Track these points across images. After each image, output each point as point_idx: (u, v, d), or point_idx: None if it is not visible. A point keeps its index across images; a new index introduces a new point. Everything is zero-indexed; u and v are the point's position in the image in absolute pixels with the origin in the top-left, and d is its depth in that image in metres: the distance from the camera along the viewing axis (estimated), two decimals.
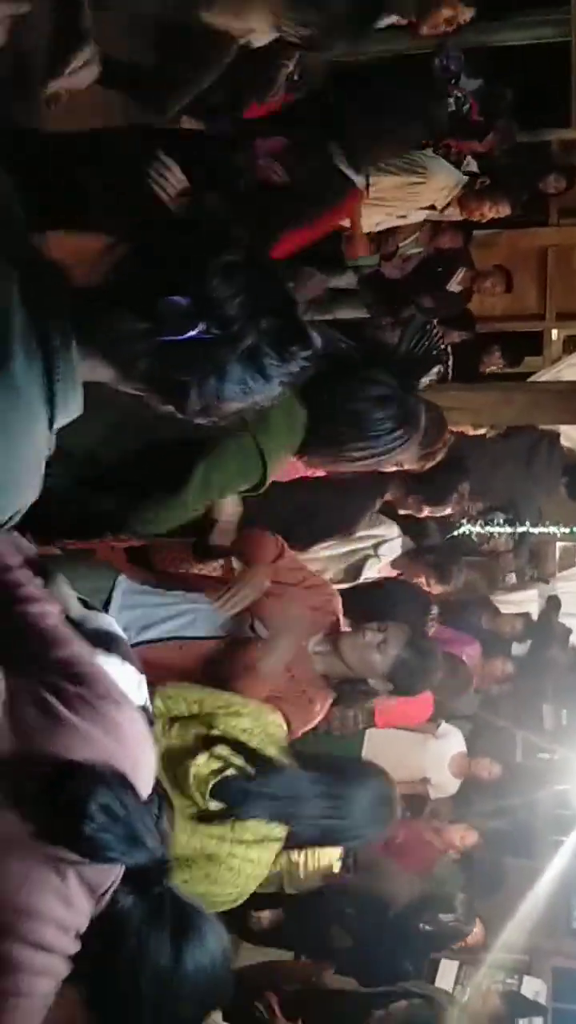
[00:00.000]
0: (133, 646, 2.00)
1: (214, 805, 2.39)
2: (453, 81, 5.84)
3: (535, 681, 6.18)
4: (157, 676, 2.32)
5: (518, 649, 6.35)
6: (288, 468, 2.68)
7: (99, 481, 2.30)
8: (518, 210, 5.73)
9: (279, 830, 2.45)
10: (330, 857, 3.60)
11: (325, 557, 3.88)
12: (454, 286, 6.04)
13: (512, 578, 6.57)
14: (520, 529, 5.96)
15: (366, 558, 3.93)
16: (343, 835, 2.63)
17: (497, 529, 5.90)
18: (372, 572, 4.05)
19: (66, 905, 1.50)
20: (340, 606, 3.03)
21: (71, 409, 1.51)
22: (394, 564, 4.32)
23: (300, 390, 2.37)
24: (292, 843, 2.54)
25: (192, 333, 1.44)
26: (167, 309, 1.43)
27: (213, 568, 3.09)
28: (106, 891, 1.55)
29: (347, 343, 4.68)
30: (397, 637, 2.87)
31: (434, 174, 5.05)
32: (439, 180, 5.11)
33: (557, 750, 6.11)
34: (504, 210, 5.48)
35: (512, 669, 5.85)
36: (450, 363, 5.15)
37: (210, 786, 2.38)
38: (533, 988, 5.37)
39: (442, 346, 4.90)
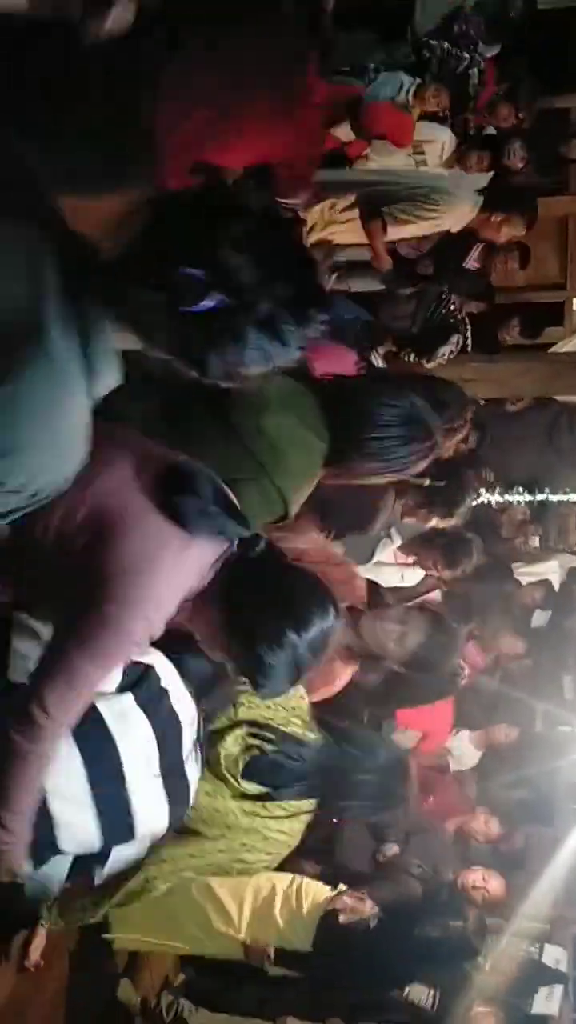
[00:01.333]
0: None
1: (247, 785, 2.52)
2: (471, 46, 5.83)
3: (555, 652, 6.18)
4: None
5: (539, 620, 6.34)
6: None
7: None
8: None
9: (308, 803, 2.52)
10: (318, 889, 3.70)
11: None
12: (471, 264, 5.98)
13: (536, 542, 6.53)
14: (540, 497, 5.96)
15: (379, 539, 3.95)
16: (366, 809, 2.70)
17: (516, 498, 5.90)
18: (384, 554, 4.06)
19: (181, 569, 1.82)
20: (363, 585, 3.12)
21: (108, 378, 1.56)
22: (403, 548, 4.33)
23: (322, 417, 2.51)
24: (321, 814, 2.61)
25: (207, 304, 1.46)
26: (181, 281, 1.45)
27: None
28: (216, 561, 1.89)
29: (364, 317, 4.73)
30: (417, 630, 2.93)
31: (451, 208, 5.01)
32: (456, 214, 5.09)
33: None
34: (519, 231, 5.44)
35: (523, 648, 5.84)
36: (468, 334, 5.12)
37: (240, 766, 2.52)
38: (554, 956, 5.37)
39: (459, 315, 4.86)
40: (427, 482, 3.85)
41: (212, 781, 2.52)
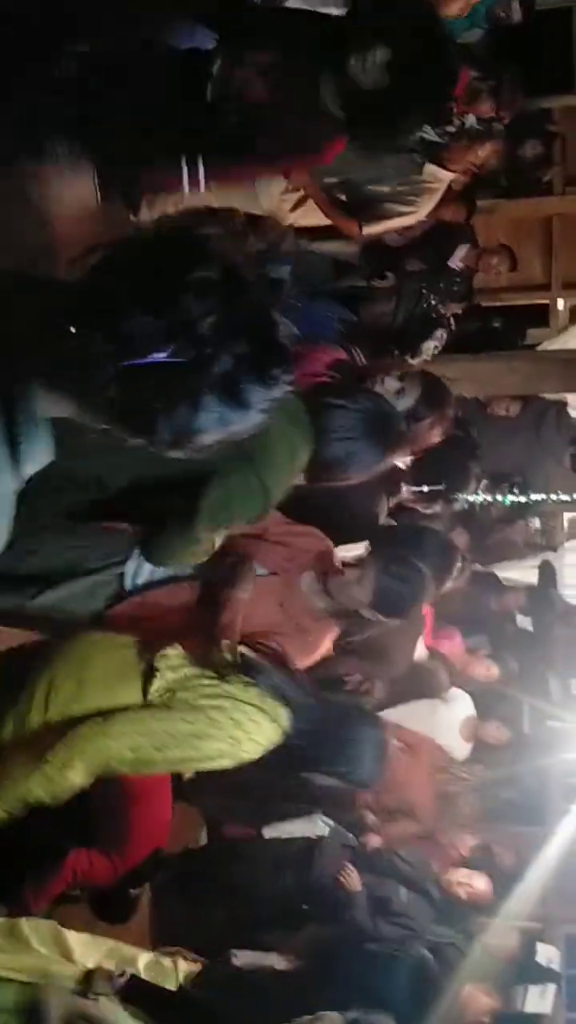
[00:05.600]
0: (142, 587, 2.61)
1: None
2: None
3: (539, 651, 6.19)
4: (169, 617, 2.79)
5: (523, 622, 6.35)
6: None
7: (107, 510, 2.45)
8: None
9: (282, 713, 2.58)
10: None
11: None
12: (456, 263, 5.98)
13: (535, 535, 6.56)
14: (524, 499, 5.98)
15: None
16: (333, 761, 2.73)
17: (502, 497, 5.92)
18: None
19: None
20: (330, 548, 3.24)
21: (38, 456, 1.43)
22: None
23: (309, 419, 2.59)
24: (290, 740, 2.61)
25: (158, 357, 1.30)
26: (132, 329, 1.29)
27: None
28: None
29: (344, 316, 4.73)
30: (372, 569, 3.07)
31: (427, 201, 4.96)
32: (431, 203, 5.05)
33: (567, 718, 6.12)
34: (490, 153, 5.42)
35: (497, 673, 5.77)
36: (452, 329, 5.12)
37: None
38: (546, 955, 5.37)
39: (440, 310, 4.87)
40: (425, 489, 3.94)
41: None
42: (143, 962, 3.13)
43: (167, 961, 3.25)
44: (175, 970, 3.22)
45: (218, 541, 2.75)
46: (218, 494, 2.37)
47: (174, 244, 1.37)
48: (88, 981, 2.81)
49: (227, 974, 3.29)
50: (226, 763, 2.57)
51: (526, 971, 4.94)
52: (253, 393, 1.38)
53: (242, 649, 2.68)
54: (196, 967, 3.33)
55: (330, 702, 2.83)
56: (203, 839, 5.19)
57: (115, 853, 3.68)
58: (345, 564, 3.18)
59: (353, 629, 3.27)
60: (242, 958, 3.29)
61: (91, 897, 3.87)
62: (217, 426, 1.39)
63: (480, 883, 4.99)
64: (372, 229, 4.59)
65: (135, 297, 1.30)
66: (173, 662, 2.62)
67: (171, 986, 3.10)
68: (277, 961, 3.32)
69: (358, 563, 3.12)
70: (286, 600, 3.02)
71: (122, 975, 2.84)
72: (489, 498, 5.98)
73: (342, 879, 4.59)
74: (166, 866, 4.37)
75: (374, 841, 4.77)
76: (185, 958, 3.33)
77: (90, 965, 2.92)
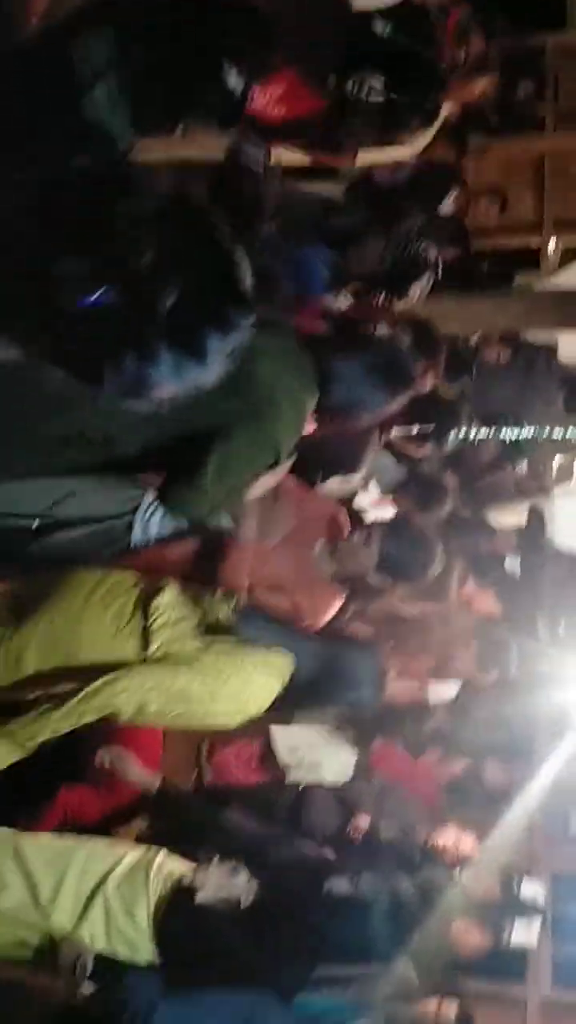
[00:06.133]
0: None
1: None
2: None
3: (528, 593, 6.21)
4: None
5: (512, 565, 6.37)
6: None
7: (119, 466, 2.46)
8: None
9: (281, 664, 2.62)
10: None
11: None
12: (446, 208, 5.91)
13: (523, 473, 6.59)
14: (517, 434, 5.99)
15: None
16: (334, 694, 2.78)
17: (493, 434, 5.93)
18: (364, 501, 4.10)
19: None
20: (340, 514, 3.26)
21: None
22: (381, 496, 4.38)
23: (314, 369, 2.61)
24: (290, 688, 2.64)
25: (92, 299, 1.18)
26: (62, 271, 1.17)
27: None
28: None
29: (335, 260, 4.68)
30: (379, 533, 3.10)
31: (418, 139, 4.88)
32: (424, 140, 4.96)
33: (555, 659, 6.15)
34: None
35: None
36: (439, 272, 5.07)
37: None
38: (532, 890, 5.46)
39: (429, 252, 4.82)
40: (416, 429, 3.93)
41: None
42: (115, 879, 3.06)
43: (140, 872, 3.12)
44: (146, 884, 3.10)
45: (253, 491, 2.76)
46: (224, 451, 2.40)
47: (105, 175, 1.25)
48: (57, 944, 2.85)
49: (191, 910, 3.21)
50: (237, 720, 2.62)
51: (511, 906, 5.02)
52: (209, 340, 1.24)
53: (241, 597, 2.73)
54: (178, 870, 3.22)
55: (322, 642, 2.87)
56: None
57: (104, 789, 3.71)
58: (353, 528, 3.20)
59: (362, 593, 3.26)
60: (202, 895, 3.22)
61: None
62: (173, 377, 1.26)
63: (467, 844, 5.06)
64: (366, 158, 4.54)
65: (62, 238, 1.19)
66: (167, 616, 2.63)
67: (142, 912, 3.05)
68: (244, 893, 3.26)
69: (365, 528, 3.15)
70: (299, 566, 3.03)
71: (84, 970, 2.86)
72: (481, 436, 5.99)
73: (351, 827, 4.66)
74: (156, 805, 4.40)
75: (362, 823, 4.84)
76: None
77: (64, 916, 2.92)
